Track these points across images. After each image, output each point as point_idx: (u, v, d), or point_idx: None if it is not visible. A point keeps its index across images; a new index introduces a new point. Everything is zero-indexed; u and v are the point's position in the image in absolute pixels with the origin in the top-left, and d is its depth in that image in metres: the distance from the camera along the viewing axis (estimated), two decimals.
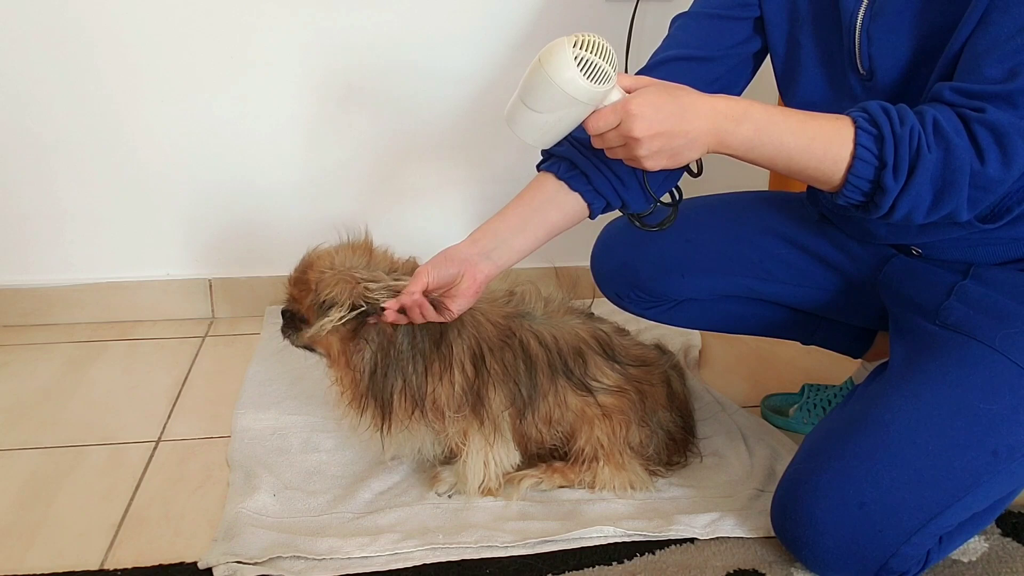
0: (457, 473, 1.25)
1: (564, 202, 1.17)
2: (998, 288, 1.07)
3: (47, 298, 1.87)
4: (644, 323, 1.78)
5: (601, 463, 1.25)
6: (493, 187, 1.94)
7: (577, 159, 1.15)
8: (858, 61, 1.06)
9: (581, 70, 0.92)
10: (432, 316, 1.11)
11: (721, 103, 0.96)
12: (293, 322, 1.23)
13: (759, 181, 2.03)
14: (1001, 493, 1.02)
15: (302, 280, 1.19)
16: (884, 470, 0.98)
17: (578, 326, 1.27)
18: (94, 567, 1.12)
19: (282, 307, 1.24)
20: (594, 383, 1.23)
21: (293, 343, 1.25)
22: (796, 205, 1.33)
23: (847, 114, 0.95)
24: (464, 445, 1.21)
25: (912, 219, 0.96)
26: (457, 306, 1.12)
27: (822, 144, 0.94)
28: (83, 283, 1.87)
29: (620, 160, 1.09)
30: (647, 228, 1.15)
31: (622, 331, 1.34)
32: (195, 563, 1.11)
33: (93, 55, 1.72)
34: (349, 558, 1.11)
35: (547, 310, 1.28)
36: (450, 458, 1.27)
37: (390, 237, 1.26)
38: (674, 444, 1.32)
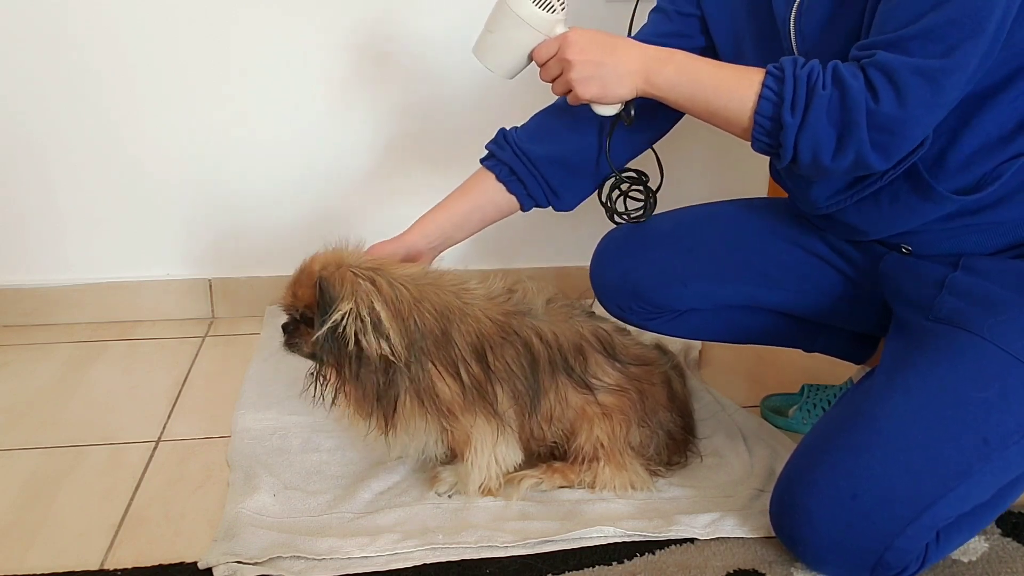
0: (457, 473, 1.25)
1: (501, 202, 1.33)
2: (989, 277, 1.08)
3: (47, 298, 1.87)
4: None
5: (602, 463, 1.24)
6: None
7: (516, 166, 1.30)
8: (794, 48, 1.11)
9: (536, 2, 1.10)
10: None
11: (650, 48, 1.09)
12: (297, 329, 1.21)
13: (758, 187, 2.03)
14: (997, 484, 1.02)
15: (300, 277, 1.18)
16: (876, 461, 0.99)
17: (579, 324, 1.27)
18: (94, 567, 1.12)
19: (283, 322, 1.23)
20: (595, 381, 1.23)
21: (301, 353, 1.21)
22: (794, 208, 1.32)
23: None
24: (467, 444, 1.21)
25: (821, 162, 0.99)
26: None
27: (734, 84, 1.03)
28: (83, 283, 1.87)
29: (554, 170, 1.28)
30: (631, 220, 1.31)
31: (623, 330, 1.34)
32: (195, 563, 1.10)
33: (92, 57, 1.72)
34: (349, 558, 1.11)
35: (548, 308, 1.27)
36: (452, 459, 1.27)
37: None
38: (674, 444, 1.32)
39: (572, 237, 1.99)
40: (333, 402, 1.17)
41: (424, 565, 1.11)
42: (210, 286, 1.92)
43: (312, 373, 1.17)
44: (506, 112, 1.87)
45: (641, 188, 1.32)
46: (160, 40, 1.73)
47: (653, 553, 1.13)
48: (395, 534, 1.15)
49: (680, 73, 1.06)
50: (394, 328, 1.11)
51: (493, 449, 1.21)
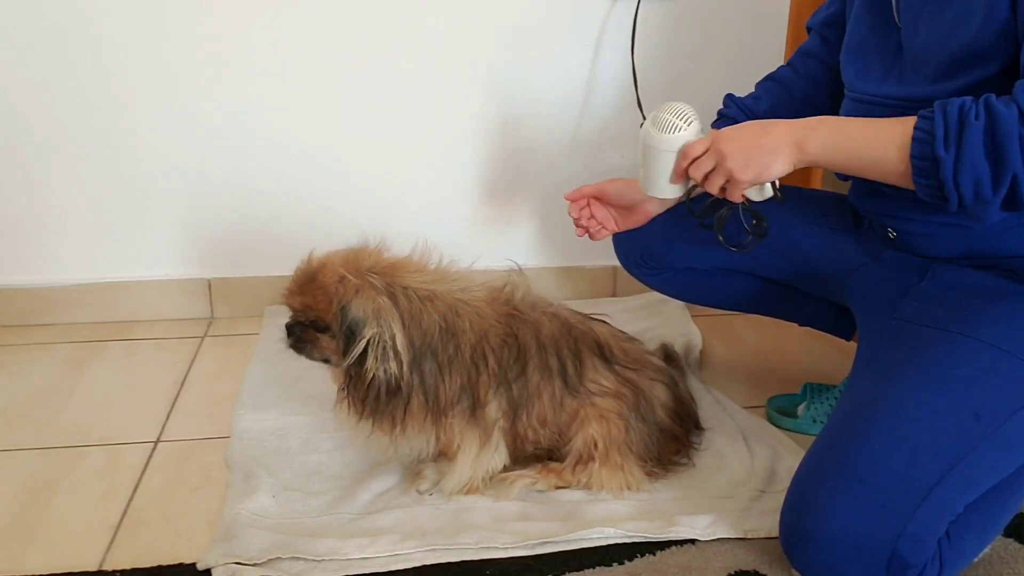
0: (440, 471, 1.25)
1: None
2: (950, 287, 1.13)
3: (46, 298, 1.86)
4: (645, 325, 1.79)
5: (597, 464, 1.24)
6: (499, 186, 1.94)
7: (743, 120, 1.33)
8: (896, 16, 1.15)
9: (659, 129, 1.18)
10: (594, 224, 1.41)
11: (798, 121, 1.10)
12: (307, 333, 1.20)
13: None
14: (999, 469, 1.03)
15: (314, 285, 1.17)
16: (874, 440, 1.01)
17: (576, 327, 1.27)
18: (92, 568, 1.11)
19: (287, 323, 1.22)
20: (591, 385, 1.23)
21: (311, 357, 1.22)
22: (796, 202, 1.38)
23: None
24: (456, 446, 1.21)
25: (984, 197, 0.97)
26: (612, 227, 1.43)
27: (886, 132, 1.02)
28: (82, 283, 1.87)
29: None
30: (734, 249, 1.27)
31: (621, 334, 1.34)
32: (194, 564, 1.10)
33: (89, 55, 1.72)
34: (348, 559, 1.10)
35: (547, 310, 1.27)
36: (437, 457, 1.27)
37: (393, 239, 1.26)
38: (674, 445, 1.31)
39: (574, 237, 1.98)
40: (360, 416, 1.18)
41: (423, 566, 1.10)
42: (209, 286, 1.92)
43: (343, 388, 1.19)
44: (507, 108, 1.87)
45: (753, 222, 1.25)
46: (159, 39, 1.72)
47: (654, 554, 1.13)
48: (394, 535, 1.15)
49: (830, 135, 1.07)
50: (405, 351, 1.14)
51: (479, 452, 1.21)
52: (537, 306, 1.27)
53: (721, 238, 1.25)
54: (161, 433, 1.45)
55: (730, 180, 1.13)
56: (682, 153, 1.17)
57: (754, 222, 1.23)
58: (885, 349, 1.13)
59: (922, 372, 1.05)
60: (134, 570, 1.10)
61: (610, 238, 1.48)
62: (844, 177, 1.30)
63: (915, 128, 0.99)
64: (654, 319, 1.82)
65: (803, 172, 1.96)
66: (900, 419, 1.02)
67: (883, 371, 1.08)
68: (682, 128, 1.17)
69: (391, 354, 1.13)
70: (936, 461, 0.99)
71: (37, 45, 1.70)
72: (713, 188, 1.16)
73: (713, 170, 1.14)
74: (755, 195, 1.18)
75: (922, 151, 0.98)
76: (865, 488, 0.99)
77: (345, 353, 1.14)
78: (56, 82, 1.73)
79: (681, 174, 1.19)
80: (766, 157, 1.10)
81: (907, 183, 1.03)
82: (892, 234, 1.22)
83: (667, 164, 1.20)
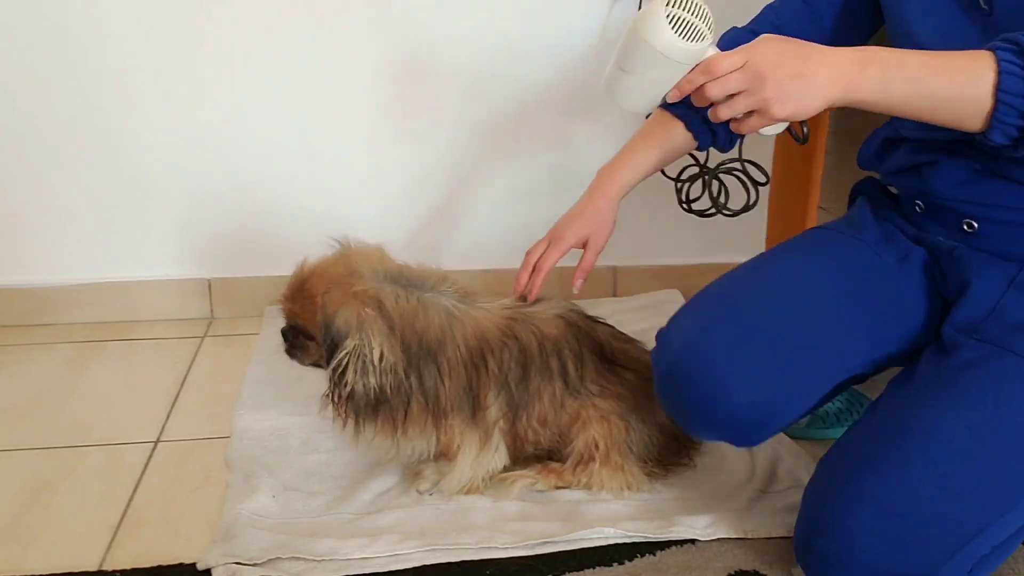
0: (440, 471, 1.25)
1: (685, 147, 1.25)
2: None
3: (45, 298, 1.86)
4: (644, 325, 1.78)
5: (597, 464, 1.24)
6: (496, 185, 1.94)
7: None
8: None
9: (675, 30, 0.95)
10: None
11: (844, 51, 0.92)
12: (298, 340, 1.21)
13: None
14: None
15: (303, 293, 1.17)
16: (924, 479, 0.92)
17: (577, 328, 1.27)
18: (92, 568, 1.11)
19: (282, 327, 1.22)
20: (592, 386, 1.23)
21: (302, 363, 1.23)
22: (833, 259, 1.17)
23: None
24: (456, 447, 1.21)
25: None
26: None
27: (960, 67, 0.88)
28: (81, 283, 1.87)
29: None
30: (730, 214, 1.14)
31: (622, 334, 1.34)
32: (194, 564, 1.10)
33: (89, 55, 1.72)
34: (348, 559, 1.10)
35: (546, 311, 1.27)
36: (437, 457, 1.27)
37: (393, 240, 1.26)
38: (675, 445, 1.31)
39: None
40: (344, 423, 1.17)
41: (423, 566, 1.10)
42: (209, 286, 1.92)
43: (327, 395, 1.18)
44: (510, 107, 1.87)
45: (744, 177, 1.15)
46: (158, 40, 1.72)
47: (654, 554, 1.13)
48: (394, 535, 1.15)
49: (887, 71, 0.90)
50: (397, 359, 1.12)
51: (479, 453, 1.21)
52: (537, 306, 1.27)
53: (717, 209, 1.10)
54: (161, 433, 1.45)
55: (760, 111, 0.92)
56: (703, 67, 0.94)
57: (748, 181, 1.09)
58: (956, 371, 0.98)
59: (990, 411, 0.94)
60: (134, 570, 1.10)
61: None
62: (867, 164, 1.16)
63: (1001, 61, 0.85)
64: (654, 319, 1.81)
65: (804, 172, 1.96)
66: (956, 461, 0.92)
67: (948, 396, 0.96)
68: (706, 36, 0.95)
69: (371, 367, 1.11)
70: (985, 510, 0.91)
71: (37, 45, 1.70)
72: (731, 112, 0.94)
73: (740, 93, 0.92)
74: (769, 129, 0.99)
75: (1017, 87, 0.85)
76: (906, 526, 0.91)
77: (327, 362, 1.14)
78: (56, 82, 1.73)
79: (688, 92, 0.97)
80: (809, 93, 0.90)
81: (977, 124, 0.89)
82: (971, 226, 1.05)
83: (672, 77, 0.98)
